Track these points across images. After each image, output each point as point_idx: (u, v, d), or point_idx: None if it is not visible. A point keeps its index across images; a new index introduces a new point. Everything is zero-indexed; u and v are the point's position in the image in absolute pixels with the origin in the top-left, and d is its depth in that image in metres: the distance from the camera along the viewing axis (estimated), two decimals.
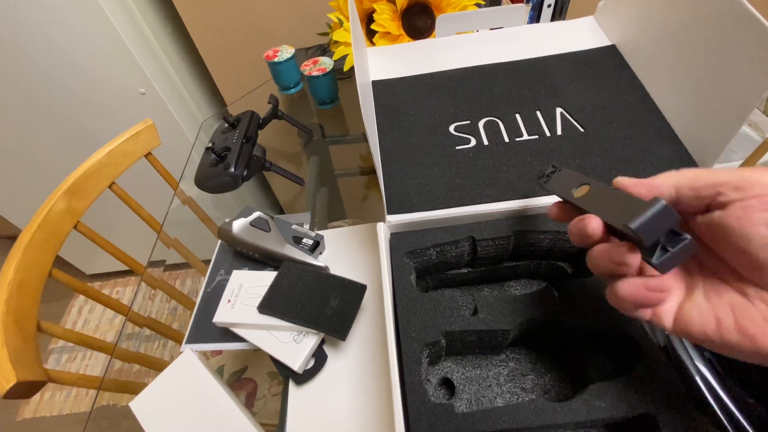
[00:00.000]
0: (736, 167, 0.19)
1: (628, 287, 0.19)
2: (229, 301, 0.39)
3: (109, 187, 0.59)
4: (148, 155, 0.63)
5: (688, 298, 0.20)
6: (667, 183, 0.20)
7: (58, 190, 0.51)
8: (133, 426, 0.34)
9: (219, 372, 0.58)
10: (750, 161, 0.62)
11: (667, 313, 0.20)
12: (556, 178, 0.29)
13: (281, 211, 0.82)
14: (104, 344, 0.51)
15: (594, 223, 0.21)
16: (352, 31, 0.32)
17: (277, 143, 0.70)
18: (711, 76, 0.32)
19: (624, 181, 0.22)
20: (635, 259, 0.19)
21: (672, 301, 0.20)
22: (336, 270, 0.42)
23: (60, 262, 1.33)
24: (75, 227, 0.54)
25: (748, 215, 0.17)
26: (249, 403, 0.55)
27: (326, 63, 0.63)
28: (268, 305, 0.37)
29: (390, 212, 0.35)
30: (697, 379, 0.24)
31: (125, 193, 0.61)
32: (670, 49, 0.36)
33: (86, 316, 1.37)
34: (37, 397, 1.22)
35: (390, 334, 0.27)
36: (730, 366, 0.25)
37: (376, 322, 0.38)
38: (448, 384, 0.32)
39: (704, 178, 0.19)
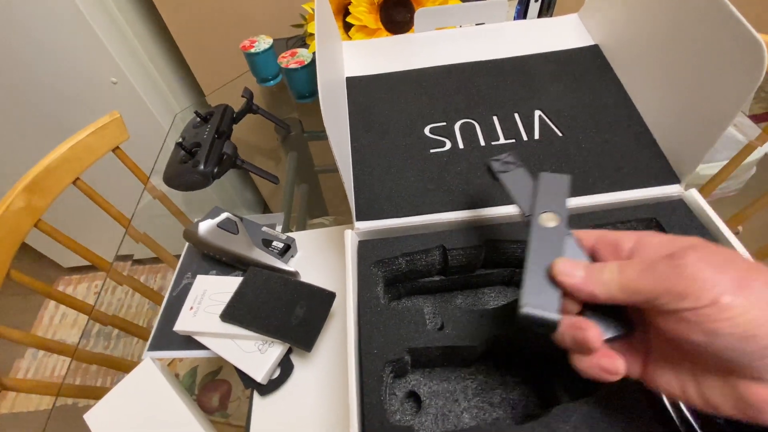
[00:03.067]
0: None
1: (585, 364, 0.20)
2: (191, 308, 0.37)
3: (74, 183, 0.56)
4: (115, 150, 0.60)
5: (653, 362, 0.20)
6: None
7: (15, 188, 0.48)
8: None
9: (192, 374, 0.57)
10: (734, 162, 0.62)
11: (633, 374, 0.21)
12: (516, 175, 0.27)
13: (266, 208, 0.79)
14: (65, 347, 0.49)
15: (594, 335, 0.19)
16: (317, 23, 0.30)
17: (253, 138, 0.68)
18: (693, 81, 0.31)
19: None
20: (597, 341, 0.19)
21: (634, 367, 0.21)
22: (308, 274, 0.41)
23: (36, 256, 1.30)
24: (36, 225, 0.51)
25: (714, 329, 0.16)
26: (223, 405, 0.54)
27: (304, 55, 0.60)
28: (231, 314, 0.35)
29: (359, 219, 0.33)
30: (665, 401, 0.24)
31: (91, 189, 0.58)
32: (652, 51, 0.35)
33: (64, 309, 1.33)
34: (13, 392, 1.20)
35: (350, 352, 0.26)
36: None
37: (345, 332, 0.37)
38: (415, 397, 0.31)
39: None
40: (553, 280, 0.21)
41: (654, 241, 0.20)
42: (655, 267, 0.18)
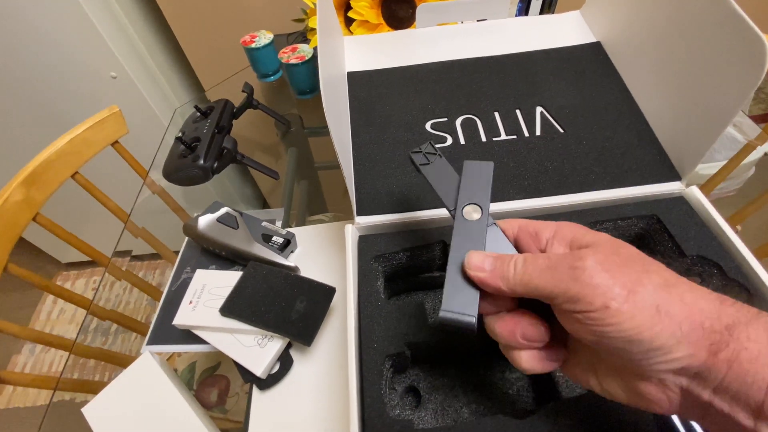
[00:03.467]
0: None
1: (528, 356, 0.20)
2: (190, 302, 0.37)
3: (72, 176, 0.56)
4: (114, 144, 0.60)
5: (569, 353, 0.21)
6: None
7: (13, 181, 0.48)
8: None
9: (191, 369, 0.57)
10: (733, 162, 0.62)
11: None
12: (438, 167, 0.25)
13: (265, 204, 0.79)
14: (63, 341, 0.49)
15: (543, 331, 0.19)
16: (318, 18, 0.30)
17: (253, 134, 0.68)
18: (694, 78, 0.31)
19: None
20: (547, 335, 0.20)
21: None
22: (308, 270, 0.41)
23: (35, 252, 1.29)
24: (34, 219, 0.51)
25: (602, 332, 0.17)
26: (221, 401, 0.54)
27: (305, 50, 0.60)
28: (231, 308, 0.35)
29: (360, 213, 0.33)
30: None
31: (90, 184, 0.58)
32: (654, 48, 0.35)
33: (62, 305, 1.33)
34: (10, 387, 1.19)
35: (351, 347, 0.26)
36: None
37: (345, 327, 0.37)
38: (415, 392, 0.31)
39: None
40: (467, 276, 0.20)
41: (568, 234, 0.20)
42: (555, 267, 0.18)
